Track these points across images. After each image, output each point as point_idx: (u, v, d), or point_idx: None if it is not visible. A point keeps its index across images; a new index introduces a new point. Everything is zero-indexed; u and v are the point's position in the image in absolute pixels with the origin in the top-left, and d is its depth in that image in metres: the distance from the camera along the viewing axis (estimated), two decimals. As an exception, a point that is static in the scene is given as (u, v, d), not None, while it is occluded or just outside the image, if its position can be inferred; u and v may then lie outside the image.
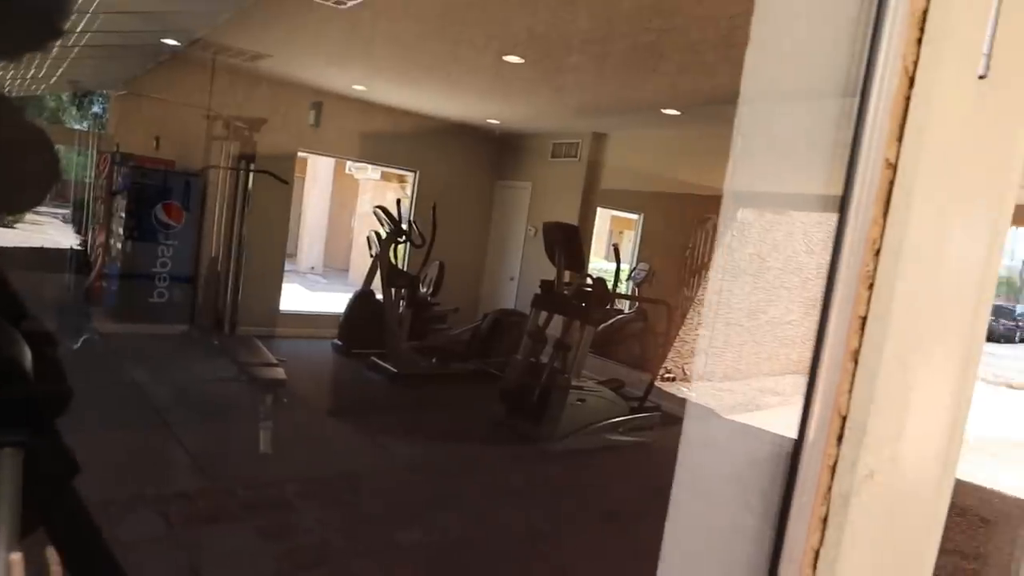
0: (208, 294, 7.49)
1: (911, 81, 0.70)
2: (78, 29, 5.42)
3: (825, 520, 0.75)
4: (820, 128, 0.76)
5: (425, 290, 7.98)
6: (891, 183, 0.72)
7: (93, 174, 8.25)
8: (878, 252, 0.73)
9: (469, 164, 9.28)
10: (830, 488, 0.75)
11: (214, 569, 3.04)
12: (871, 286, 0.73)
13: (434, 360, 7.41)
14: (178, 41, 6.01)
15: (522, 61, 5.07)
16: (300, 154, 8.85)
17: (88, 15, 5.11)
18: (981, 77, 0.75)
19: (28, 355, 0.67)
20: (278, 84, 7.30)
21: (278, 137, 7.20)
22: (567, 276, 6.39)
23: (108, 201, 7.45)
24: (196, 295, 7.43)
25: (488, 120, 8.38)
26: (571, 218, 7.60)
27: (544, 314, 6.33)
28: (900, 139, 0.71)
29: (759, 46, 0.84)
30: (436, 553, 3.50)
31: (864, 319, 0.73)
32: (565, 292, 6.28)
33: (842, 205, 0.74)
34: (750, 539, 0.81)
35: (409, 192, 9.55)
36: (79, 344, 6.33)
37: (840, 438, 0.74)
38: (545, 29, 4.00)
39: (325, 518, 3.76)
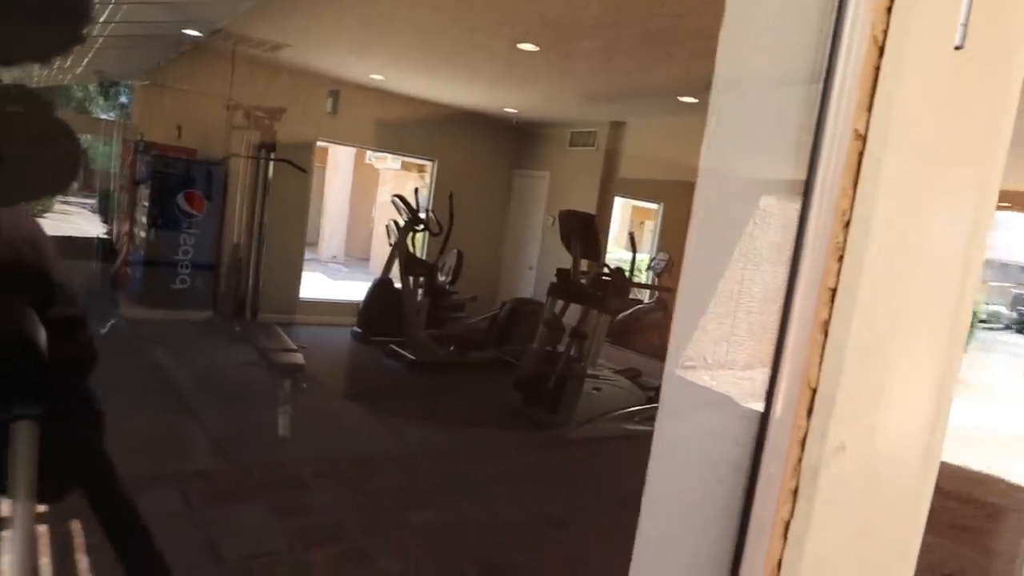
0: (230, 281, 7.61)
1: (880, 51, 0.70)
2: (102, 19, 5.50)
3: (796, 492, 0.75)
4: (790, 107, 0.76)
5: (443, 278, 8.02)
6: (860, 154, 0.71)
7: (118, 163, 8.39)
8: (848, 224, 0.72)
9: (487, 153, 9.29)
10: (800, 460, 0.75)
11: (231, 543, 3.11)
12: (840, 258, 0.73)
13: (452, 348, 7.46)
14: (199, 31, 6.08)
15: (537, 49, 5.05)
16: (320, 144, 8.93)
17: (112, 5, 5.19)
18: (957, 48, 0.74)
19: (42, 335, 0.70)
20: (297, 74, 7.36)
21: (297, 126, 7.26)
22: (585, 265, 6.38)
23: (132, 190, 7.58)
24: (218, 282, 7.55)
25: (505, 109, 8.37)
26: (589, 207, 7.58)
27: (560, 303, 6.34)
28: (869, 109, 0.71)
29: (732, 24, 0.84)
30: (445, 532, 3.55)
31: (834, 291, 0.73)
32: (582, 281, 6.28)
33: (809, 176, 0.74)
34: (722, 510, 0.81)
35: (428, 181, 9.60)
36: (106, 329, 6.46)
37: (810, 411, 0.75)
38: (557, 15, 3.99)
39: (339, 498, 3.83)
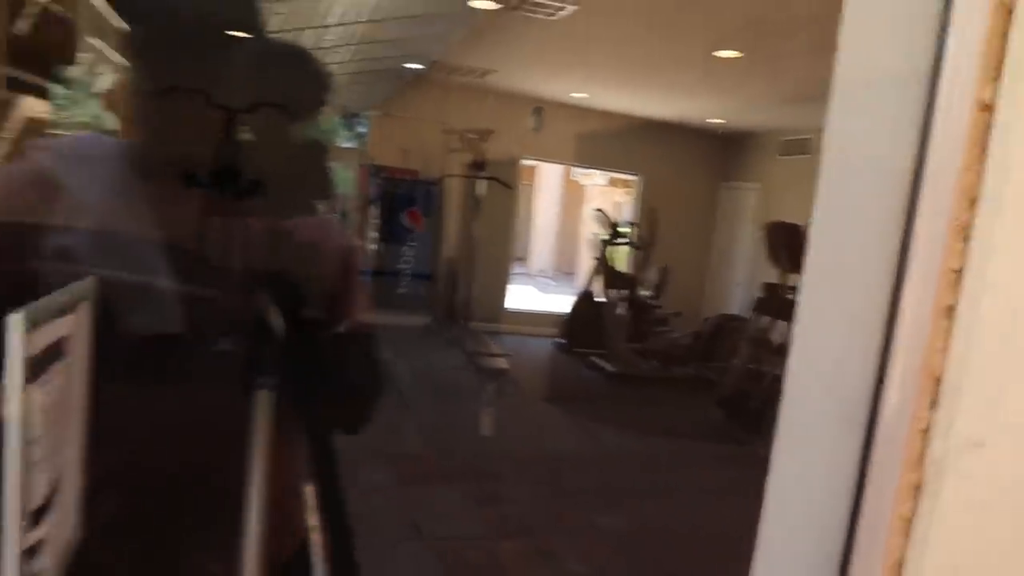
0: (445, 290, 8.26)
1: (1009, 13, 0.66)
2: (347, 59, 6.32)
3: (919, 488, 0.72)
4: (909, 84, 0.73)
5: (646, 293, 8.00)
6: (988, 126, 0.67)
7: (354, 186, 9.47)
8: (974, 201, 0.68)
9: (692, 166, 9.12)
10: (923, 455, 0.72)
11: (429, 521, 3.41)
12: (966, 238, 0.69)
13: (654, 362, 7.40)
14: (420, 64, 6.74)
15: (740, 55, 4.90)
16: (526, 162, 9.37)
17: (352, 46, 5.94)
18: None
19: (280, 322, 0.91)
20: (503, 96, 7.83)
21: (504, 146, 7.72)
22: (796, 280, 6.02)
23: (365, 209, 8.53)
24: (434, 291, 8.23)
25: (710, 120, 8.16)
26: (804, 220, 7.11)
27: (767, 319, 6.04)
28: (996, 79, 0.67)
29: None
30: (631, 537, 3.55)
31: (959, 273, 0.69)
32: (789, 296, 5.93)
33: (921, 152, 0.71)
34: (837, 504, 0.79)
35: (632, 196, 9.64)
36: (342, 328, 7.32)
37: (934, 402, 0.71)
38: (761, 14, 3.85)
39: (532, 492, 4.01)
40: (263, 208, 0.95)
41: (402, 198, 8.08)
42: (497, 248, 8.40)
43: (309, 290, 0.97)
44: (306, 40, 5.21)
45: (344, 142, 12.91)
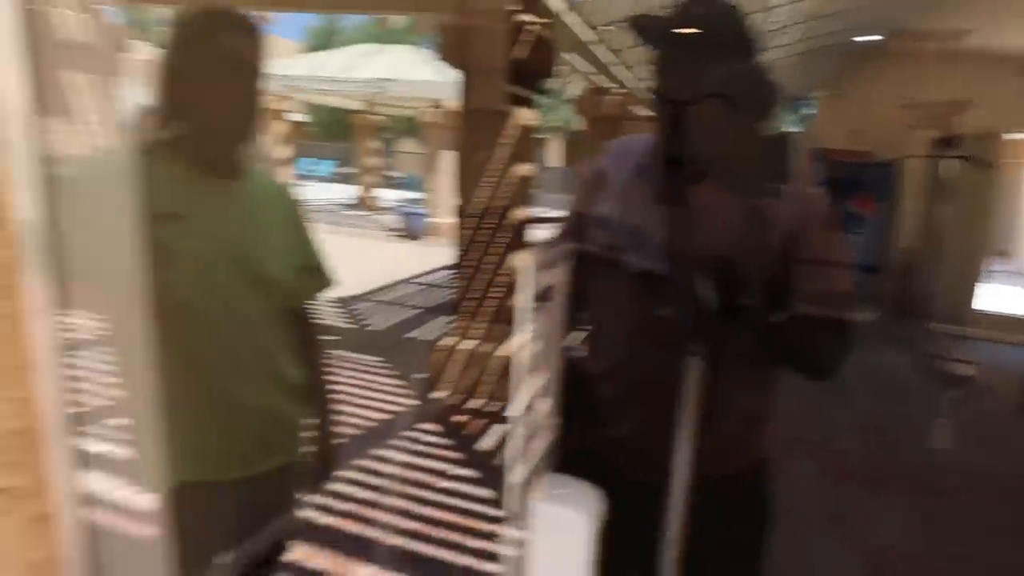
0: (899, 284, 7.45)
1: None
2: (793, 40, 6.18)
3: None
4: None
5: None
6: None
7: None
8: None
9: None
10: None
11: (857, 523, 3.22)
12: None
13: None
14: (876, 35, 6.16)
15: None
16: (1014, 136, 7.74)
17: (799, 25, 5.78)
18: None
19: (714, 299, 1.07)
20: (982, 59, 6.62)
21: (981, 118, 6.54)
22: None
23: (807, 195, 8.18)
24: (882, 284, 7.47)
25: None
26: None
27: None
28: None
29: None
30: None
31: None
32: None
33: None
34: None
35: None
36: (781, 317, 7.20)
37: None
38: None
39: (986, 516, 3.46)
40: (732, 191, 1.08)
41: (849, 182, 7.47)
42: (969, 239, 7.19)
43: (751, 275, 1.06)
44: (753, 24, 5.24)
45: (788, 126, 12.52)
